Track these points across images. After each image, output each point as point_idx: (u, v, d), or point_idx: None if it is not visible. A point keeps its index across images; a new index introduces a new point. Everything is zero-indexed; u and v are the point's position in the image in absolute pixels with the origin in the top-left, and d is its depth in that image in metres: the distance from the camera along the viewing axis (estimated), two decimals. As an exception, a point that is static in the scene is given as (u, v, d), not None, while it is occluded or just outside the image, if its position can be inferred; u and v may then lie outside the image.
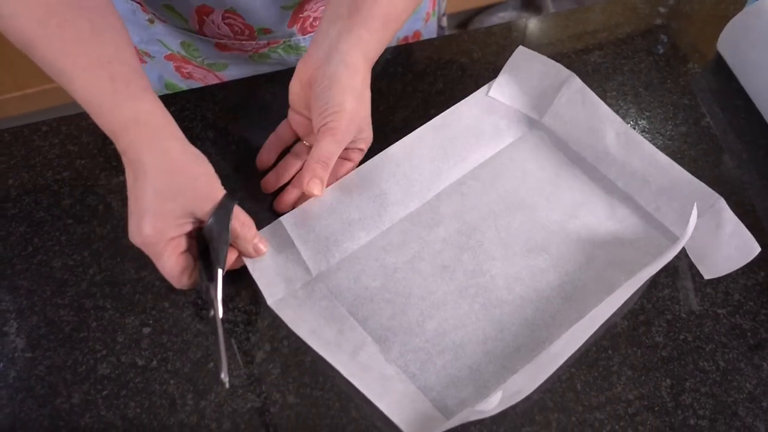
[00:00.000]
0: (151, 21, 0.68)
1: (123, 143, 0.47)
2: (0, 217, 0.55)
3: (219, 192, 0.48)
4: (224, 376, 0.44)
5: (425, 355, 0.48)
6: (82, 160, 0.59)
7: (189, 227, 0.48)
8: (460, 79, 0.64)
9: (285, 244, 0.52)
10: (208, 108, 0.62)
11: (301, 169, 0.56)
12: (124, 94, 0.46)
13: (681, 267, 0.53)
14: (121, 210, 0.55)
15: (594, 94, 0.57)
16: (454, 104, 0.59)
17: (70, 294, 0.52)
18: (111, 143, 0.59)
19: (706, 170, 0.58)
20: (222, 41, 0.66)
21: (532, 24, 0.70)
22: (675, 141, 0.60)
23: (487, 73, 0.65)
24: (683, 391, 0.48)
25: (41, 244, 0.54)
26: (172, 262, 0.47)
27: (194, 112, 0.62)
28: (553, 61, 0.59)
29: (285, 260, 0.52)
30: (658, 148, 0.55)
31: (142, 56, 0.72)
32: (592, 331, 0.47)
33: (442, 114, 0.58)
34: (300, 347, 0.49)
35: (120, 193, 0.57)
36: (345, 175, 0.55)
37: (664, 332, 0.50)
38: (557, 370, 0.46)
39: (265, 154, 0.57)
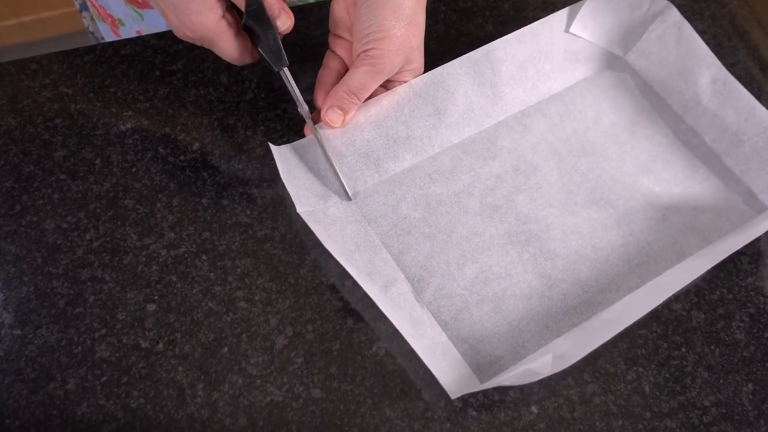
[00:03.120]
0: None
1: None
2: (-17, 170, 0.48)
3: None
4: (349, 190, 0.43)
5: (461, 302, 0.43)
6: (78, 105, 0.51)
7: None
8: (513, 20, 0.56)
9: (319, 158, 0.46)
10: (221, 48, 0.54)
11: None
12: None
13: (767, 252, 0.46)
14: (122, 164, 0.48)
15: (693, 30, 0.49)
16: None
17: (63, 262, 0.45)
18: (110, 86, 0.52)
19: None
20: None
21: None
22: None
23: (545, 13, 0.56)
24: (767, 398, 0.42)
25: (30, 203, 0.47)
26: (231, 42, 0.44)
27: (205, 52, 0.54)
28: None
29: (317, 175, 0.46)
30: (764, 102, 0.48)
31: None
32: (656, 303, 0.41)
33: (516, 32, 0.50)
34: (327, 333, 0.43)
35: (120, 144, 0.49)
36: (359, 85, 0.46)
37: (747, 328, 0.44)
38: (610, 341, 0.40)
39: (321, 93, 0.48)
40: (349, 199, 0.46)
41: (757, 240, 0.46)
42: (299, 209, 0.44)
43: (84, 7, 0.71)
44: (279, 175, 0.49)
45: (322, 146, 0.46)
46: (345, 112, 0.45)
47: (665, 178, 0.48)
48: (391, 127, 0.47)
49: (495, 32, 0.55)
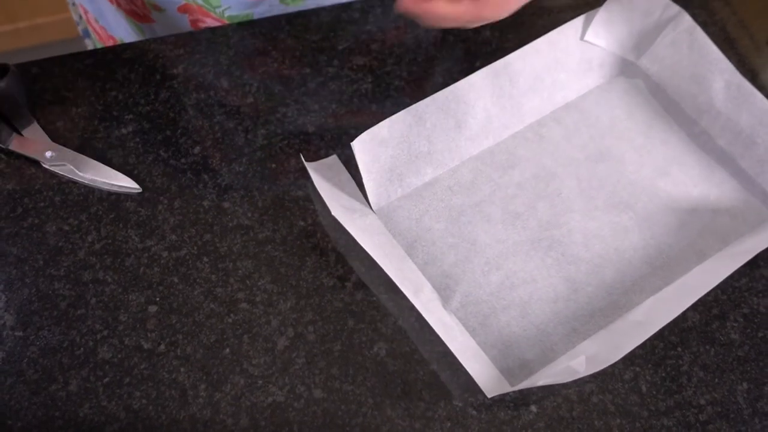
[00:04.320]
0: None
1: None
2: (-15, 173, 0.48)
3: None
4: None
5: (488, 309, 0.44)
6: (79, 108, 0.51)
7: None
8: (510, 25, 0.57)
9: (343, 174, 0.48)
10: (222, 52, 0.54)
11: None
12: None
13: (761, 253, 0.47)
14: (124, 167, 0.49)
15: (705, 35, 0.50)
16: (508, 54, 0.51)
17: (65, 264, 0.45)
18: (112, 89, 0.52)
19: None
20: None
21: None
22: None
23: (540, 20, 0.57)
24: (762, 396, 0.42)
25: (32, 206, 0.47)
26: None
27: (206, 56, 0.54)
28: None
29: (343, 190, 0.47)
30: None
31: (150, 11, 0.61)
32: (687, 305, 0.41)
33: (533, 42, 0.50)
34: (328, 334, 0.43)
35: (122, 147, 0.50)
36: (443, 13, 0.43)
37: (741, 328, 0.44)
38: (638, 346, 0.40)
39: None
40: (372, 211, 0.47)
41: (750, 242, 0.47)
42: (332, 210, 0.45)
43: (86, 33, 0.71)
44: (279, 178, 0.49)
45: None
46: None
47: (682, 180, 0.49)
48: (413, 142, 0.47)
49: (492, 37, 0.56)
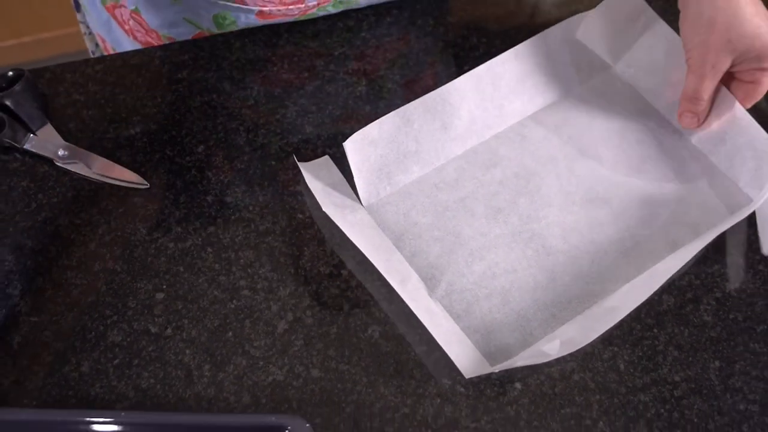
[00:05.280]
0: None
1: None
2: (1, 171, 0.51)
3: None
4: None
5: (471, 296, 0.46)
6: (89, 111, 0.54)
7: None
8: (498, 33, 0.60)
9: (335, 174, 0.51)
10: (224, 58, 0.57)
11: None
12: None
13: (732, 242, 0.50)
14: (132, 165, 0.52)
15: (681, 42, 0.53)
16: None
17: (77, 255, 0.48)
18: (120, 93, 0.55)
19: None
20: (265, 8, 0.58)
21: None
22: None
23: (525, 30, 0.60)
24: (733, 374, 0.45)
25: (46, 201, 0.50)
26: None
27: (209, 62, 0.57)
28: (644, 2, 0.55)
29: (335, 188, 0.50)
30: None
31: (164, 41, 0.62)
32: (654, 289, 0.44)
33: (514, 48, 0.54)
34: (324, 318, 0.46)
35: (130, 147, 0.53)
36: (753, 98, 0.51)
37: (713, 311, 0.47)
38: (610, 330, 0.43)
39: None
40: (362, 207, 0.50)
41: (723, 232, 0.50)
42: (322, 204, 0.48)
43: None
44: (278, 174, 0.52)
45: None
46: (692, 113, 0.51)
47: (656, 176, 0.52)
48: (402, 142, 0.50)
49: (479, 43, 0.59)
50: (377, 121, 0.49)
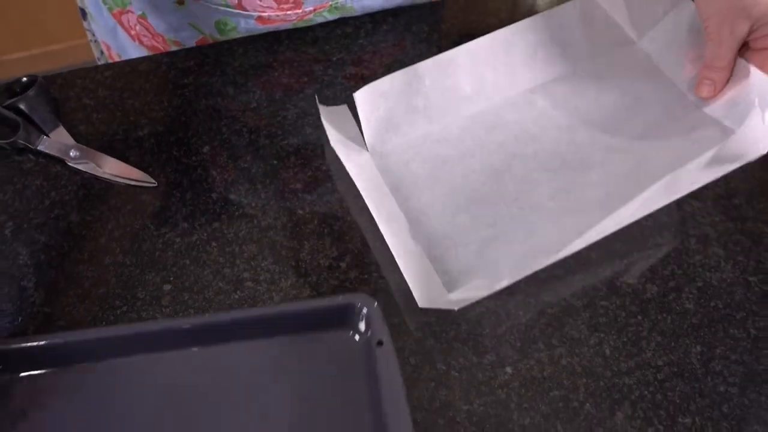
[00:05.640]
0: (180, 2, 0.62)
1: None
2: (16, 170, 0.54)
3: None
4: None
5: (450, 243, 0.49)
6: (99, 114, 0.57)
7: None
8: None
9: (348, 121, 0.54)
10: (228, 63, 0.60)
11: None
12: None
13: (712, 234, 0.52)
14: (140, 164, 0.54)
15: None
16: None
17: (88, 249, 0.51)
18: (129, 97, 0.58)
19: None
20: (264, 14, 0.61)
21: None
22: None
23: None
24: (713, 358, 0.47)
25: (58, 198, 0.53)
26: None
27: (214, 67, 0.60)
28: None
29: (350, 130, 0.53)
30: None
31: (170, 47, 0.66)
32: (631, 210, 0.45)
33: (534, 16, 0.56)
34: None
35: (138, 148, 0.55)
36: None
37: (695, 299, 0.49)
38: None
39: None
40: (367, 153, 0.53)
41: (705, 224, 0.52)
42: (331, 140, 0.52)
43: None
44: (279, 173, 0.55)
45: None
46: (710, 80, 0.51)
47: (662, 144, 0.51)
48: (411, 97, 0.53)
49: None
50: (389, 75, 0.52)
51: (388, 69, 0.60)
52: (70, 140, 0.55)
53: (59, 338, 0.44)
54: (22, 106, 0.55)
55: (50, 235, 0.51)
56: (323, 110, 0.53)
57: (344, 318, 0.45)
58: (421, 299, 0.46)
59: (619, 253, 0.51)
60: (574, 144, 0.53)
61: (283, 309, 0.47)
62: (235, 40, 0.62)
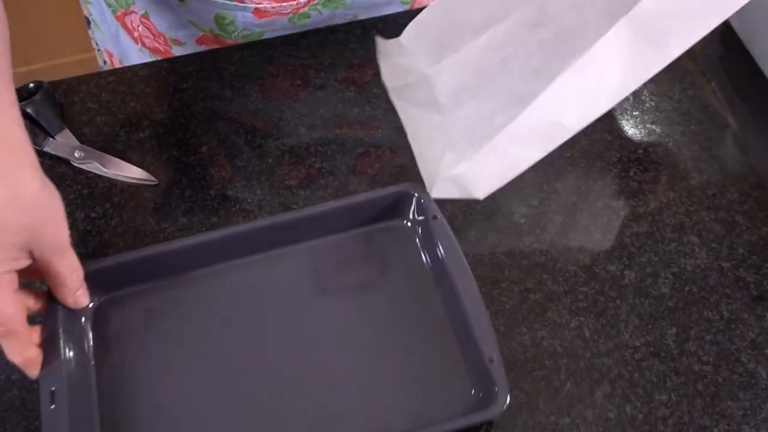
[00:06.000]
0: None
1: None
2: (23, 171, 0.57)
3: (64, 235, 0.43)
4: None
5: (478, 142, 0.50)
6: (103, 117, 0.60)
7: (24, 263, 0.41)
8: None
9: (401, 52, 0.58)
10: (225, 68, 0.63)
11: None
12: None
13: (687, 223, 0.55)
14: (142, 164, 0.57)
15: None
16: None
17: (93, 243, 0.53)
18: (131, 101, 0.61)
19: (713, 132, 0.60)
20: (260, 6, 0.63)
21: None
22: (683, 104, 0.62)
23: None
24: (688, 338, 0.49)
25: (64, 197, 0.54)
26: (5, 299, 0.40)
27: (211, 72, 0.63)
28: None
29: (400, 63, 0.57)
30: (666, 110, 0.57)
31: (171, 47, 0.69)
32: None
33: None
34: (317, 295, 0.51)
35: (140, 148, 0.58)
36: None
37: (671, 284, 0.52)
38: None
39: None
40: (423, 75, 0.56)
41: (680, 214, 0.55)
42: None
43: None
44: (274, 171, 0.57)
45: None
46: None
47: None
48: (455, 13, 0.56)
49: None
50: (429, 6, 0.57)
51: (377, 72, 0.63)
52: (75, 142, 0.57)
53: (149, 251, 0.50)
54: (29, 110, 0.57)
55: (56, 231, 0.54)
56: (379, 43, 0.59)
57: (398, 207, 0.52)
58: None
59: (599, 242, 0.54)
60: (615, 36, 0.48)
61: (343, 202, 0.52)
62: (232, 47, 0.65)
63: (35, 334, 0.44)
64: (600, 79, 0.49)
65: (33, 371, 0.43)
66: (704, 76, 0.64)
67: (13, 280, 0.41)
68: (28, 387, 0.47)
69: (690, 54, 0.65)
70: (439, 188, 0.50)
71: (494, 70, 0.53)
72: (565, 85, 0.48)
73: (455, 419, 0.44)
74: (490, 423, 0.45)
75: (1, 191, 0.39)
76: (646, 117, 0.61)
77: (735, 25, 0.66)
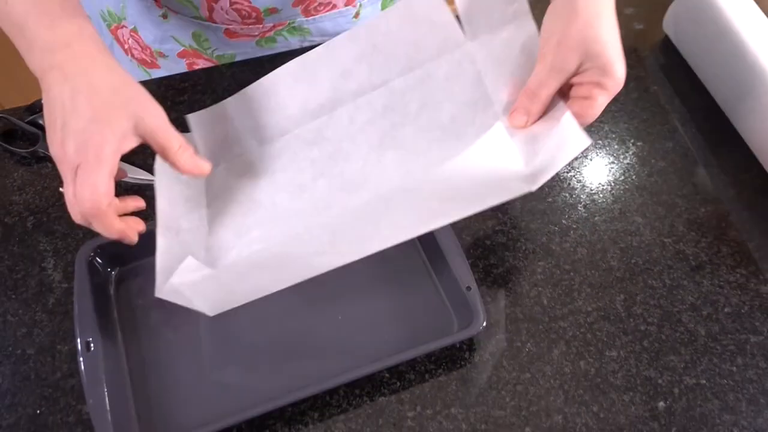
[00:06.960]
0: (164, 16, 0.73)
1: (61, 56, 0.46)
2: (36, 175, 0.63)
3: (163, 112, 0.50)
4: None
5: (226, 257, 0.51)
6: (107, 128, 0.66)
7: (131, 143, 0.48)
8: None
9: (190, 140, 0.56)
10: (217, 84, 0.70)
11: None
12: (70, 10, 0.47)
13: (632, 206, 0.61)
14: (144, 166, 0.63)
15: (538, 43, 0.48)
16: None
17: (101, 236, 0.59)
18: (133, 112, 0.67)
19: (656, 126, 0.67)
20: (230, 27, 0.72)
21: None
22: (627, 105, 0.69)
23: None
24: (635, 303, 0.55)
25: (73, 197, 0.61)
26: (103, 179, 0.46)
27: (205, 88, 0.70)
28: None
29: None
30: (611, 111, 0.65)
31: (156, 58, 0.76)
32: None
33: (345, 33, 0.54)
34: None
35: (142, 153, 0.64)
36: (587, 115, 0.47)
37: (618, 257, 0.58)
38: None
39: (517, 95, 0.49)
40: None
41: (630, 194, 0.62)
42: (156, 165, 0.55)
43: None
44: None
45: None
46: (524, 110, 0.47)
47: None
48: (243, 119, 0.57)
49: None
50: (227, 101, 0.57)
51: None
52: (83, 149, 0.64)
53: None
54: (41, 122, 0.64)
55: (66, 226, 0.59)
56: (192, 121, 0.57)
57: None
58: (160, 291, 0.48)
59: (554, 222, 0.60)
60: (380, 165, 0.51)
61: None
62: (224, 65, 0.72)
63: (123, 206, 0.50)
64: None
65: (131, 238, 0.50)
66: (648, 80, 0.71)
67: (115, 165, 0.47)
68: (42, 360, 0.52)
69: (638, 62, 0.73)
70: (167, 291, 0.48)
71: (265, 179, 0.54)
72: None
73: (441, 339, 0.51)
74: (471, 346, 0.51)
75: (114, 78, 0.48)
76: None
77: (672, 38, 0.74)
